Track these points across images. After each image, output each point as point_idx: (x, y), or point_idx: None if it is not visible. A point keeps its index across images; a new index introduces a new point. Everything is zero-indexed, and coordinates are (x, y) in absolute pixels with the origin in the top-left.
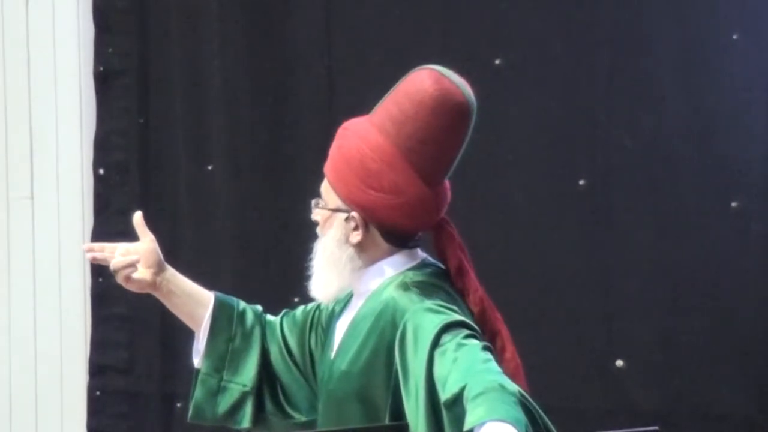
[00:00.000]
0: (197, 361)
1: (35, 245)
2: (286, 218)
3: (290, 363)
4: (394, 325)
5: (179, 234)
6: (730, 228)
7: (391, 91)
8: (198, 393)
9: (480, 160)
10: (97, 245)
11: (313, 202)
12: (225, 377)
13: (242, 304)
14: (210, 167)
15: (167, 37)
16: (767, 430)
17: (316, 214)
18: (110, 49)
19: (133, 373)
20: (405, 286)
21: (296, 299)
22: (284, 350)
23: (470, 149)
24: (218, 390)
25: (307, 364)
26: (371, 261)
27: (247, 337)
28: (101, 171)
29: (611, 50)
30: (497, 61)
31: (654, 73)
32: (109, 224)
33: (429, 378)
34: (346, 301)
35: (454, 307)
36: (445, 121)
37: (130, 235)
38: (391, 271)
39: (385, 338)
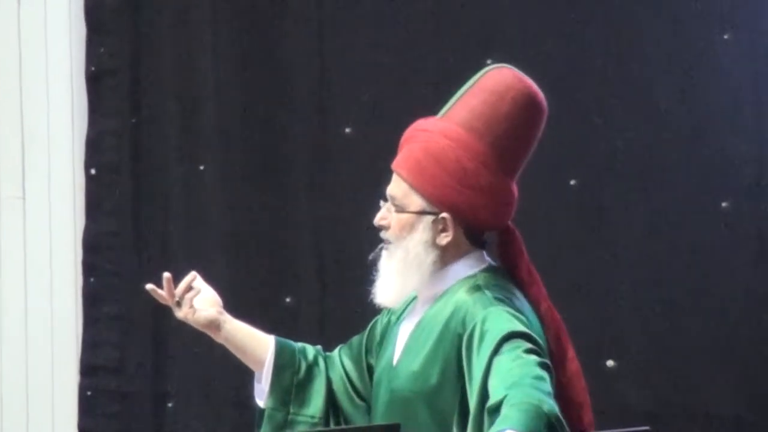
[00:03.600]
0: (261, 400)
1: (26, 245)
2: (278, 218)
3: (352, 393)
4: (464, 327)
5: (171, 234)
6: (721, 228)
7: (464, 90)
8: (264, 429)
9: None
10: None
11: (385, 207)
12: (292, 410)
13: (300, 343)
14: (202, 167)
15: (159, 37)
16: (757, 429)
17: (385, 219)
18: (102, 49)
19: (125, 373)
20: (478, 289)
21: (288, 299)
22: (346, 380)
23: None
24: (285, 424)
25: (368, 386)
26: (449, 262)
27: (310, 369)
28: (93, 171)
29: (603, 50)
30: (488, 61)
31: (645, 74)
32: (101, 224)
33: (484, 383)
34: (404, 307)
35: (523, 317)
36: (532, 118)
37: (122, 236)
38: (463, 272)
39: (456, 340)
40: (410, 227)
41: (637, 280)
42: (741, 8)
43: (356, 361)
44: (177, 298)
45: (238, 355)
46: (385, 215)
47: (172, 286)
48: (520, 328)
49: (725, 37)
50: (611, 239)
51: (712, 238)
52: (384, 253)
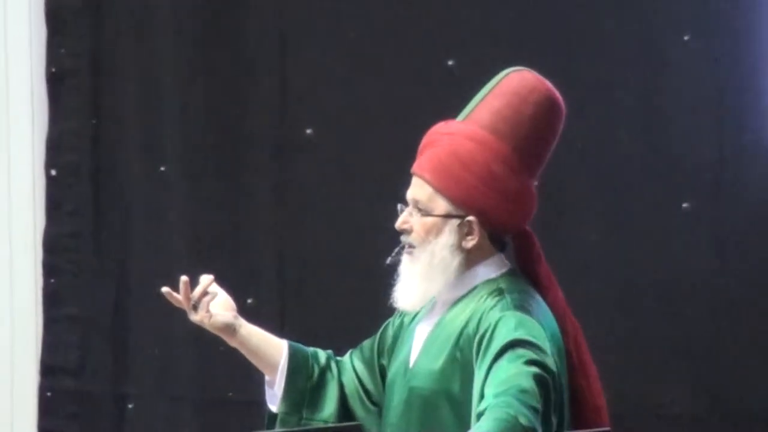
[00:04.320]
0: (274, 405)
1: None
2: (239, 220)
3: (364, 397)
4: (478, 330)
5: (132, 235)
6: (681, 229)
7: (485, 93)
8: None
9: None
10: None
11: (406, 210)
12: (305, 415)
13: (311, 347)
14: (163, 168)
15: (120, 37)
16: (715, 428)
17: (407, 222)
18: (63, 50)
19: (85, 374)
20: (500, 293)
21: (250, 300)
22: (358, 384)
23: None
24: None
25: (381, 389)
26: (472, 265)
27: (323, 374)
28: (53, 172)
29: (564, 51)
30: (450, 62)
31: (606, 75)
32: (61, 225)
33: (481, 388)
34: (419, 308)
35: (537, 325)
36: (553, 120)
37: (82, 237)
38: (485, 275)
39: (472, 343)
40: (436, 231)
41: (597, 280)
42: (701, 10)
43: (368, 364)
44: (193, 302)
45: (252, 359)
46: (406, 219)
47: (189, 289)
48: (527, 336)
49: (685, 38)
50: (571, 240)
51: (673, 239)
52: (406, 257)
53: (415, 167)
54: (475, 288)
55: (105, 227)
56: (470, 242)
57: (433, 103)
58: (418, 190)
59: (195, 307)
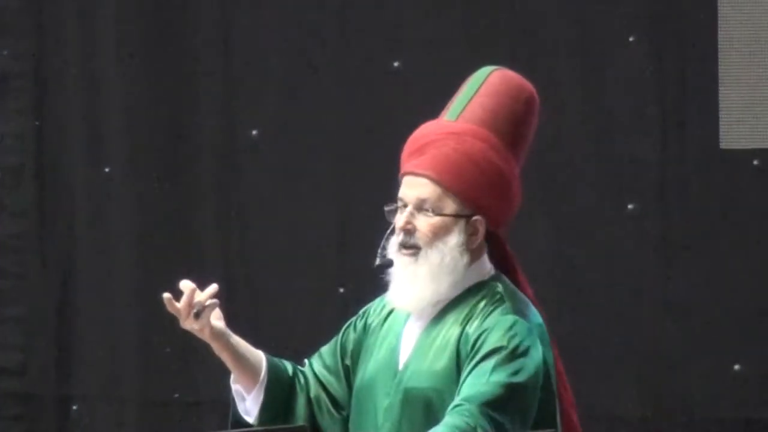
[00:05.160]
0: (251, 417)
1: None
2: (184, 221)
3: (330, 405)
4: (478, 330)
5: (76, 237)
6: (627, 230)
7: (474, 92)
8: None
9: (379, 165)
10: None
11: (407, 210)
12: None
13: (277, 357)
14: (107, 169)
15: (63, 38)
16: (661, 429)
17: (410, 223)
18: (5, 51)
19: (29, 376)
20: (498, 296)
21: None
22: (322, 392)
23: (370, 154)
24: None
25: (346, 391)
26: (469, 265)
27: (293, 385)
28: None
29: (509, 52)
30: (395, 64)
31: (551, 75)
32: (5, 226)
33: (461, 385)
34: (386, 310)
35: (534, 330)
36: (536, 119)
37: (26, 238)
38: (476, 277)
39: (471, 343)
40: (445, 231)
41: (542, 282)
42: (646, 11)
43: (332, 370)
44: (197, 309)
45: (235, 368)
46: (409, 219)
47: (194, 296)
48: (517, 342)
49: (630, 39)
50: (517, 241)
51: (618, 240)
52: (406, 258)
53: (417, 167)
54: (468, 290)
55: (49, 229)
56: (475, 242)
57: (379, 104)
58: (423, 189)
59: (197, 315)
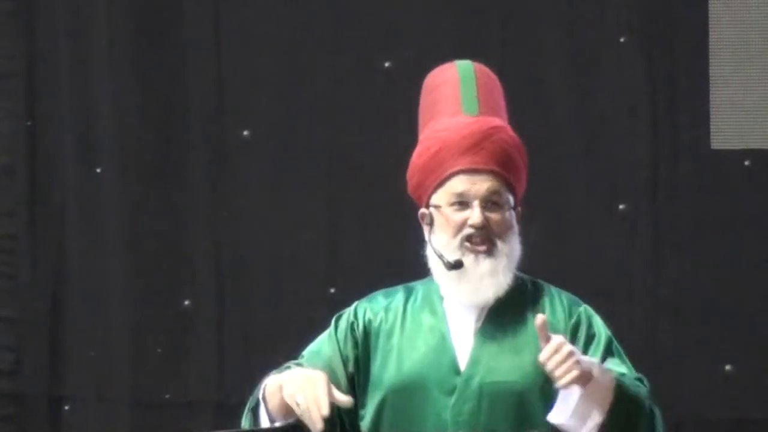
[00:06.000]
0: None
1: None
2: (175, 221)
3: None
4: (570, 316)
5: (68, 237)
6: (617, 230)
7: (475, 87)
8: None
9: (367, 163)
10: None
11: (476, 206)
12: None
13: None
14: (99, 170)
15: (55, 39)
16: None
17: (486, 219)
18: None
19: (21, 376)
20: (533, 282)
21: (187, 302)
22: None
23: (361, 154)
24: None
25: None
26: None
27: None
28: None
29: (500, 53)
30: (387, 64)
31: (542, 76)
32: None
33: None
34: (404, 309)
35: None
36: None
37: (16, 239)
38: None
39: (566, 328)
40: (512, 223)
41: None
42: (637, 12)
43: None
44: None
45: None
46: (485, 214)
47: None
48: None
49: (621, 40)
50: None
51: (609, 240)
52: (482, 254)
53: (479, 163)
54: (513, 284)
55: (41, 229)
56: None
57: (370, 104)
58: (491, 184)
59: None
